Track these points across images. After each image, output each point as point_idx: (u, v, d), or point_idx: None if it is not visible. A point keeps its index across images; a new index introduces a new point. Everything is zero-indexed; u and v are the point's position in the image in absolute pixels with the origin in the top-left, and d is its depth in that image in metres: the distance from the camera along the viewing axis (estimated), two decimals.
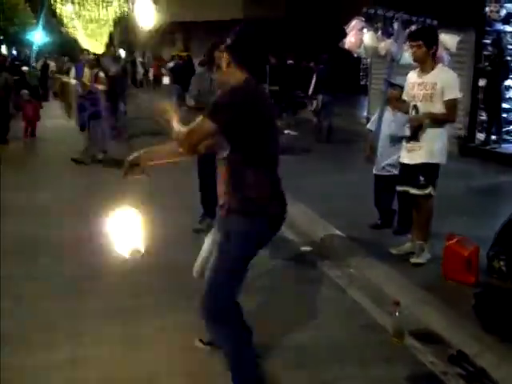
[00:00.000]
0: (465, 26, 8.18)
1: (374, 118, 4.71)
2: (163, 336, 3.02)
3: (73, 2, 30.44)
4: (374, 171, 4.64)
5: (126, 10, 30.03)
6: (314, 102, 10.24)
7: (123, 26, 40.11)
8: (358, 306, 3.42)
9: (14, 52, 25.47)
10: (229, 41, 2.21)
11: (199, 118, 2.13)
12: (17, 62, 16.48)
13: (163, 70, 23.14)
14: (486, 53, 8.32)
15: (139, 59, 30.57)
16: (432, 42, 3.72)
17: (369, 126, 4.74)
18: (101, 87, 7.96)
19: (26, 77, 15.00)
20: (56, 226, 4.98)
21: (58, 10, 32.46)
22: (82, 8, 31.45)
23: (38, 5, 29.02)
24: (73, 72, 9.42)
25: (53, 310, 3.32)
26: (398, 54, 4.33)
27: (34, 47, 20.31)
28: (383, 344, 2.93)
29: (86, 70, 8.06)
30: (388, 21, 4.38)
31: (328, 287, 3.69)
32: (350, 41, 4.50)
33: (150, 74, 24.86)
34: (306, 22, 17.32)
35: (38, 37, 23.85)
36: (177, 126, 2.23)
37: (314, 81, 10.16)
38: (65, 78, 8.37)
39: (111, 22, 36.55)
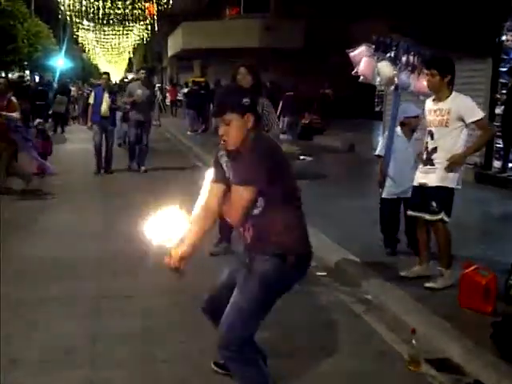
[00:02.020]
0: (482, 55, 8.27)
1: (381, 144, 4.71)
2: (179, 358, 3.02)
3: (94, 30, 31.45)
4: (384, 195, 4.60)
5: (145, 37, 30.88)
6: (280, 123, 11.81)
7: (142, 53, 41.13)
8: (373, 332, 3.40)
9: (37, 77, 26.19)
10: (246, 101, 2.19)
11: (237, 190, 2.18)
12: (40, 87, 16.60)
13: (180, 95, 23.62)
14: (502, 81, 8.35)
15: (158, 85, 31.20)
16: (446, 71, 3.76)
17: (378, 152, 4.73)
18: (15, 114, 7.18)
19: (49, 103, 15.07)
20: (70, 248, 5.03)
21: (80, 37, 33.54)
22: (102, 35, 32.46)
23: (61, 32, 29.99)
24: (92, 96, 9.35)
25: (68, 331, 3.34)
26: (406, 83, 4.36)
27: (57, 72, 20.82)
28: (399, 371, 2.90)
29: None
30: (389, 49, 4.40)
31: (343, 313, 3.68)
32: (361, 70, 4.53)
33: (168, 100, 25.34)
34: (324, 53, 17.45)
35: (60, 62, 24.51)
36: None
37: (280, 106, 12.08)
38: None
39: (131, 49, 37.56)
